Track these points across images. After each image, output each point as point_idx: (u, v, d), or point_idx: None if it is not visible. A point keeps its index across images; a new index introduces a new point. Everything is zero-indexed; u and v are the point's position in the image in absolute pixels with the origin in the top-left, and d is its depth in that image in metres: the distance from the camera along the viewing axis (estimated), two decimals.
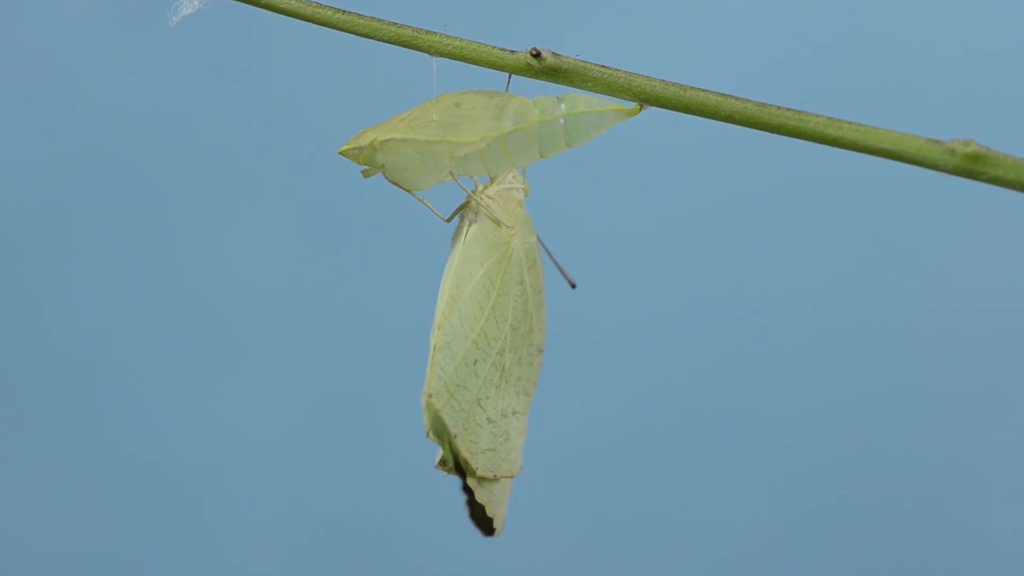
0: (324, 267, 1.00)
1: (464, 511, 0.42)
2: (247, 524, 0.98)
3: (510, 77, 0.38)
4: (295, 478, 0.99)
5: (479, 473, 0.41)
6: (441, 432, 0.41)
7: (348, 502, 0.98)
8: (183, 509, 0.99)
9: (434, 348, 0.40)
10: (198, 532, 0.98)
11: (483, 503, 0.42)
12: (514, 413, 0.42)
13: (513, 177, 0.42)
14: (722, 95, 0.35)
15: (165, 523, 0.99)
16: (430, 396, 0.40)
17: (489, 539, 0.43)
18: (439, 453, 0.41)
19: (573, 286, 0.44)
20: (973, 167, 0.33)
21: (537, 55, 0.36)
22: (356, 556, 0.98)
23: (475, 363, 0.41)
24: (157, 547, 0.98)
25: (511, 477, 0.42)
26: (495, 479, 0.42)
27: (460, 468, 0.41)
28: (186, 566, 0.98)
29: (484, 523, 0.42)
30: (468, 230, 0.41)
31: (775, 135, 0.35)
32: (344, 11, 0.37)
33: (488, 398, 0.41)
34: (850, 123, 0.34)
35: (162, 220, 1.01)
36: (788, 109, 0.35)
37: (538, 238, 0.42)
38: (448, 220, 0.42)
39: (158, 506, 0.99)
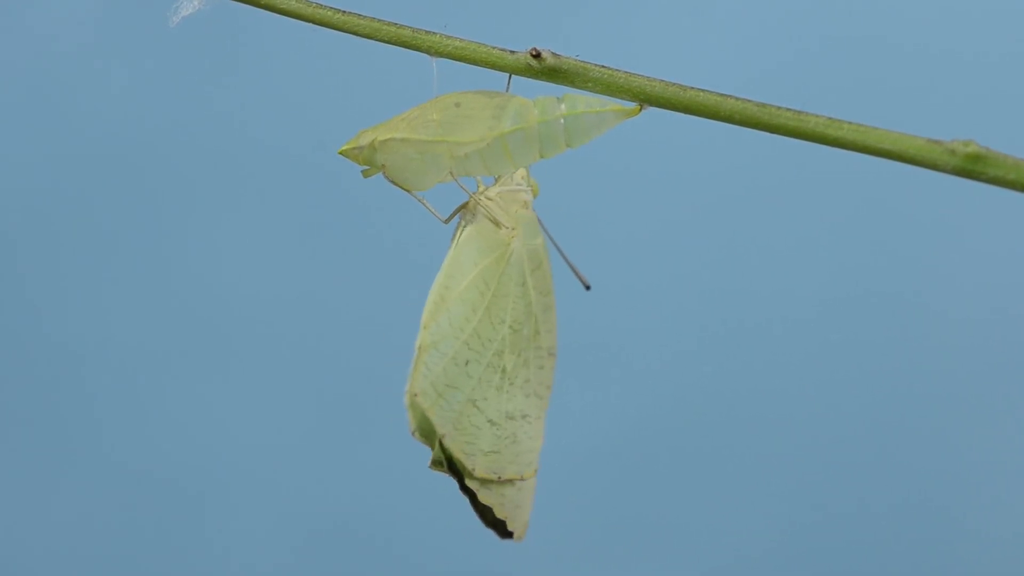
0: (324, 268, 1.00)
1: (474, 513, 0.42)
2: (244, 527, 0.98)
3: (510, 77, 0.38)
4: (293, 480, 0.99)
5: (478, 474, 0.41)
6: (429, 432, 0.41)
7: (347, 505, 0.98)
8: (180, 512, 0.99)
9: (419, 348, 0.40)
10: (195, 535, 0.98)
11: (490, 505, 0.42)
12: (524, 416, 0.42)
13: (521, 178, 0.42)
14: (722, 95, 0.35)
15: (161, 527, 0.99)
16: (415, 395, 0.40)
17: (494, 541, 0.43)
18: (432, 453, 0.41)
19: (587, 287, 0.44)
20: (973, 167, 0.33)
21: (537, 55, 0.36)
22: (356, 560, 0.98)
23: (467, 364, 0.41)
24: (154, 551, 0.98)
25: (522, 479, 0.42)
26: (500, 481, 0.42)
27: (454, 469, 0.41)
28: (183, 570, 0.98)
29: (498, 525, 0.42)
30: (463, 231, 0.41)
31: (775, 135, 0.35)
32: (344, 11, 0.37)
33: (486, 399, 0.41)
34: (850, 123, 0.34)
35: (161, 220, 1.01)
36: (788, 109, 0.35)
37: (549, 239, 0.42)
38: (446, 221, 0.42)
39: (155, 509, 0.99)
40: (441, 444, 0.41)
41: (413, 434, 0.41)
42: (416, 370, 0.40)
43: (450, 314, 0.40)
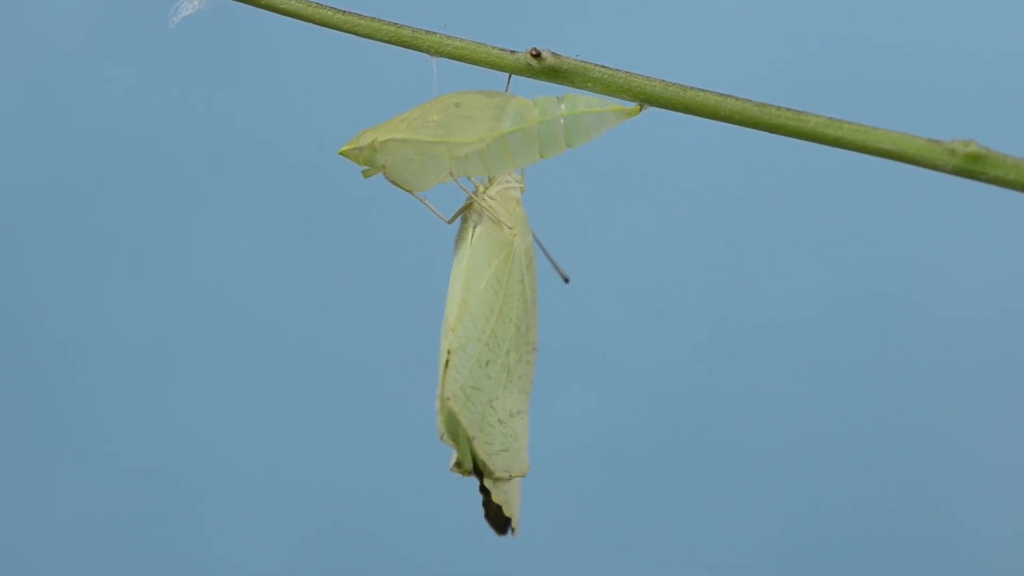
0: (324, 268, 1.00)
1: (479, 511, 0.42)
2: (244, 527, 0.98)
3: (510, 77, 0.38)
4: (293, 481, 0.99)
5: (496, 474, 0.41)
6: (457, 435, 0.41)
7: (347, 505, 0.98)
8: (180, 512, 0.99)
9: (448, 351, 0.40)
10: (195, 536, 0.98)
11: (500, 503, 0.42)
12: (518, 412, 0.42)
13: (509, 175, 0.42)
14: (722, 95, 0.35)
15: (161, 527, 0.99)
16: (447, 399, 0.40)
17: (493, 541, 0.43)
18: (453, 456, 0.41)
19: (567, 281, 0.44)
20: (973, 167, 0.33)
21: (537, 55, 0.36)
22: (356, 560, 0.98)
23: (487, 364, 0.41)
24: (154, 551, 0.98)
25: (522, 476, 0.42)
26: (509, 479, 0.42)
27: (477, 470, 0.41)
28: (183, 570, 0.98)
29: (499, 522, 0.42)
30: (474, 232, 0.41)
31: (775, 135, 0.35)
32: (344, 11, 0.37)
33: (498, 398, 0.41)
34: (850, 123, 0.34)
35: (161, 220, 1.01)
36: (788, 109, 0.35)
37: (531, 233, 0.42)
38: (450, 222, 0.42)
39: (155, 509, 0.99)
40: (469, 446, 0.41)
41: (442, 438, 0.41)
42: (447, 374, 0.40)
43: (472, 315, 0.41)
